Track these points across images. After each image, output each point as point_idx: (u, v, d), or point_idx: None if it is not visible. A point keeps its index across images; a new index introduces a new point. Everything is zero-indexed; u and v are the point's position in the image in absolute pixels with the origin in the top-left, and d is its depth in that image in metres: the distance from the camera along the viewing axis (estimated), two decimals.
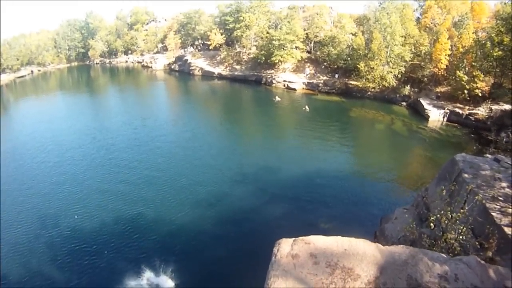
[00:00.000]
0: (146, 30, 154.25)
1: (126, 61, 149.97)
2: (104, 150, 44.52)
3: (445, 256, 9.70)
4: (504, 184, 17.51)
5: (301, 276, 8.43)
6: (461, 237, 14.67)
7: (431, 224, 16.01)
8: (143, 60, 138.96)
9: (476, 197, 15.45)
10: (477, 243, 14.77)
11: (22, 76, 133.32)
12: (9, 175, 38.29)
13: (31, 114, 70.80)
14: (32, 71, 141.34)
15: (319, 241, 9.83)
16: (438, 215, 15.90)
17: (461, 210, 15.33)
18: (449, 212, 15.31)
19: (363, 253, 9.26)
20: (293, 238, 10.12)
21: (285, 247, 9.73)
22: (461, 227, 14.77)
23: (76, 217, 28.90)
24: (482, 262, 9.61)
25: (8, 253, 25.02)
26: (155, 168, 37.80)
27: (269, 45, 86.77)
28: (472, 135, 47.57)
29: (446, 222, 15.45)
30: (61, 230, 27.31)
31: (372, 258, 9.11)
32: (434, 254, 9.70)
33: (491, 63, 52.80)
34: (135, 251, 24.03)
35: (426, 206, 21.28)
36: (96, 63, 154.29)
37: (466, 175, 18.64)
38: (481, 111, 51.63)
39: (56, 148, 45.90)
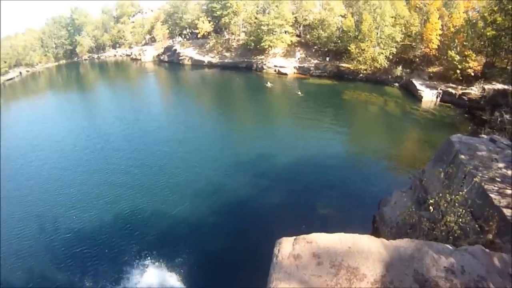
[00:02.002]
0: (133, 22, 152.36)
1: (115, 55, 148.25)
2: (98, 147, 44.14)
3: (450, 247, 9.55)
4: (501, 165, 17.49)
5: (305, 278, 8.20)
6: (460, 220, 14.62)
7: (430, 208, 15.92)
8: (131, 53, 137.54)
9: (474, 179, 15.36)
10: (477, 225, 14.75)
11: (11, 79, 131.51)
12: (5, 179, 37.99)
13: (24, 117, 70.03)
14: (20, 73, 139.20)
15: (321, 239, 9.61)
16: (437, 198, 15.85)
17: (460, 192, 15.24)
18: (447, 195, 15.27)
19: (368, 251, 9.03)
20: (294, 237, 9.85)
21: (286, 247, 9.47)
22: (460, 210, 14.71)
23: (74, 217, 28.75)
24: (487, 250, 9.47)
25: (7, 257, 24.95)
26: (150, 163, 37.56)
27: (258, 30, 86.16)
28: (466, 115, 47.44)
29: (445, 205, 15.39)
30: (60, 232, 27.20)
31: (378, 255, 8.88)
32: (439, 246, 9.53)
33: (483, 43, 52.68)
34: (135, 248, 23.97)
35: (424, 189, 21.31)
36: (85, 59, 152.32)
37: (462, 156, 18.61)
38: (474, 91, 51.50)
39: (50, 150, 45.43)
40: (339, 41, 76.21)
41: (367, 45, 66.84)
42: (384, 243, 9.44)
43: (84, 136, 48.82)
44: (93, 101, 79.05)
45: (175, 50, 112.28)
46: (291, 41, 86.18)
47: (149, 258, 22.82)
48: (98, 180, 34.88)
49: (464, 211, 14.64)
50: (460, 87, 53.53)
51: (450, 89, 53.82)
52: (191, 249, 23.33)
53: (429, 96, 54.54)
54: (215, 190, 30.66)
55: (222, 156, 37.69)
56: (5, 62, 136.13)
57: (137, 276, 21.55)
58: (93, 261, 23.39)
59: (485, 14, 51.26)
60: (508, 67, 50.97)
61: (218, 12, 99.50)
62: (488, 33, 50.03)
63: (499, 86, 49.52)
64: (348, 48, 69.82)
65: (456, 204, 14.90)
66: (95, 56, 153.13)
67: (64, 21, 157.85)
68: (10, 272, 23.46)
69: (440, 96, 54.16)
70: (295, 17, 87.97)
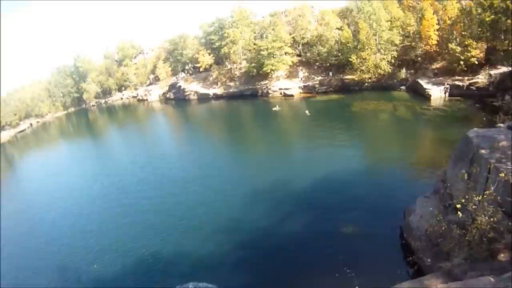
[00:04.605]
0: (135, 63, 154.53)
1: (122, 98, 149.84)
2: (112, 195, 43.55)
3: (492, 279, 8.85)
4: None
5: None
6: (492, 219, 14.13)
7: (459, 212, 15.46)
8: (137, 94, 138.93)
9: (500, 175, 14.90)
10: (510, 224, 14.24)
11: (22, 131, 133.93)
12: (21, 235, 38.26)
13: (37, 169, 70.80)
14: (31, 124, 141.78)
15: None
16: (464, 201, 15.39)
17: (486, 192, 14.81)
18: (475, 197, 14.82)
19: None
20: None
21: None
22: (491, 209, 14.25)
23: (95, 266, 28.60)
24: None
25: None
26: (166, 205, 36.87)
27: (258, 56, 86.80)
28: (477, 105, 47.27)
29: (474, 207, 14.93)
30: (80, 280, 27.34)
31: None
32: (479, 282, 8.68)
33: (481, 29, 52.57)
34: None
35: (448, 192, 20.74)
36: (92, 105, 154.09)
37: (483, 151, 18.34)
38: (481, 79, 51.50)
39: (64, 201, 45.11)
40: (339, 54, 76.63)
41: (367, 53, 67.09)
42: None
43: (98, 185, 48.39)
44: (104, 147, 79.32)
45: (180, 86, 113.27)
46: (292, 61, 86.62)
47: None
48: (115, 225, 34.82)
49: (494, 209, 14.20)
50: (466, 78, 53.79)
51: (457, 82, 54.01)
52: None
53: (437, 93, 54.51)
54: (234, 224, 30.02)
55: (239, 190, 36.77)
56: (15, 114, 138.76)
57: None
58: None
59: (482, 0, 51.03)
60: (510, 49, 50.39)
61: (216, 44, 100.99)
62: (487, 18, 50.00)
63: (505, 69, 49.57)
64: (350, 59, 70.02)
65: (485, 204, 14.46)
66: (102, 101, 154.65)
67: (69, 69, 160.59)
68: None
69: (448, 91, 54.27)
70: (293, 37, 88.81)
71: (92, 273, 27.98)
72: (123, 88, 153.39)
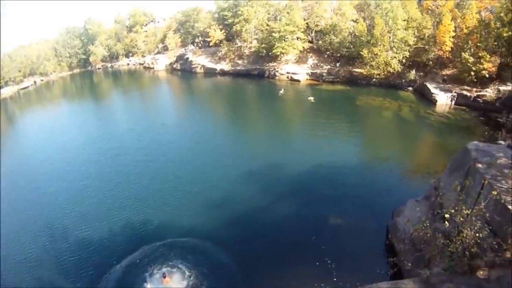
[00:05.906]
0: (146, 31, 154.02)
1: (128, 64, 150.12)
2: (109, 159, 43.95)
3: None
4: None
5: None
6: (477, 235, 14.10)
7: (446, 222, 15.40)
8: (144, 61, 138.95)
9: (492, 192, 14.80)
10: (494, 242, 14.20)
11: (25, 88, 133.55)
12: (17, 189, 38.54)
13: (37, 126, 71.11)
14: (35, 82, 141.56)
15: None
16: (453, 211, 15.34)
17: (476, 207, 14.75)
18: (464, 210, 14.75)
19: None
20: None
21: None
22: (478, 225, 14.19)
23: (83, 227, 28.73)
24: None
25: (16, 265, 25.21)
26: (162, 175, 37.11)
27: (270, 37, 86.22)
28: (482, 118, 46.91)
29: (461, 219, 14.88)
30: (68, 242, 27.22)
31: None
32: None
33: (496, 43, 51.75)
34: (142, 259, 23.53)
35: (438, 199, 20.71)
36: (98, 68, 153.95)
37: (479, 165, 18.21)
38: (489, 93, 50.78)
39: (62, 161, 45.36)
40: (351, 46, 75.90)
41: (379, 50, 66.35)
42: None
43: (96, 148, 48.50)
44: (106, 111, 79.28)
45: (187, 58, 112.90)
46: (303, 47, 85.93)
47: (154, 267, 22.42)
48: (108, 193, 34.53)
49: (481, 225, 14.16)
50: (474, 89, 52.94)
51: (464, 92, 53.24)
52: (196, 263, 22.63)
53: (443, 100, 53.98)
54: (223, 201, 30.21)
55: (233, 167, 37.16)
56: (20, 71, 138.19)
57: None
58: (101, 272, 23.02)
59: (501, 14, 50.19)
60: None
61: (229, 20, 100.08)
62: (504, 34, 49.15)
63: None
64: (361, 53, 69.37)
65: (473, 218, 14.41)
66: (109, 65, 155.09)
67: (78, 31, 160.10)
68: (17, 279, 23.58)
69: (455, 99, 53.60)
70: (307, 23, 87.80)
71: (80, 231, 28.26)
72: (130, 54, 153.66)
